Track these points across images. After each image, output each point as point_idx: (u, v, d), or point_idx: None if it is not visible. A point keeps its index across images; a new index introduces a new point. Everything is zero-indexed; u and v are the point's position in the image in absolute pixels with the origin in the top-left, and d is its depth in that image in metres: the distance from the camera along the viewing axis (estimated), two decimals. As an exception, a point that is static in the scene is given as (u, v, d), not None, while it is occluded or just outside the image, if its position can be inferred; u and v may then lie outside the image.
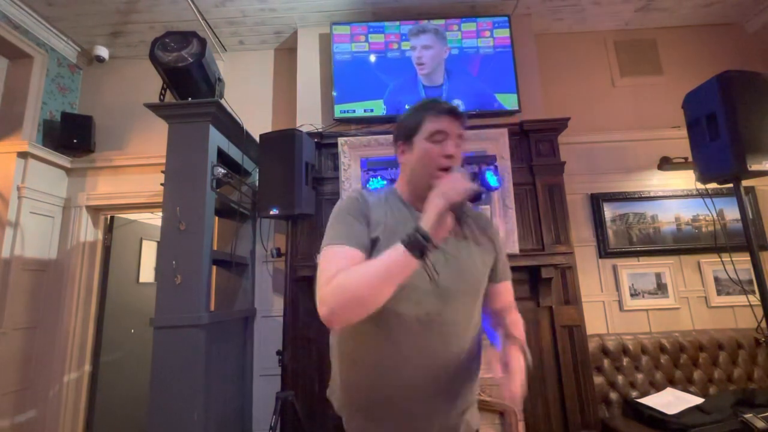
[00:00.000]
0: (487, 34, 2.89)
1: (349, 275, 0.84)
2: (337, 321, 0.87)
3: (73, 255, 2.95)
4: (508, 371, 0.83)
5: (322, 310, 0.85)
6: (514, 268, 2.37)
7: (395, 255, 0.82)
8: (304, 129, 2.60)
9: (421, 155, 0.96)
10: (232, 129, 2.45)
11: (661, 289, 2.80)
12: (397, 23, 2.90)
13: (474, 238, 1.00)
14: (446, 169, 0.92)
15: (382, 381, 0.93)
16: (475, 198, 0.85)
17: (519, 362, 0.85)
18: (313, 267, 2.44)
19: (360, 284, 0.83)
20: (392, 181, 1.99)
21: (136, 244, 3.41)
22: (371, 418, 0.95)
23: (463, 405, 0.97)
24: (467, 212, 0.98)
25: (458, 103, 2.80)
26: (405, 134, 0.99)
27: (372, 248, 0.93)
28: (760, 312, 1.66)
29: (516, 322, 1.03)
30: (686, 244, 2.85)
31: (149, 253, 3.49)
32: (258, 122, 2.93)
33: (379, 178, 2.54)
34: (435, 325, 0.92)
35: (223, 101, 2.35)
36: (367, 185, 2.53)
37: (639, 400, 2.30)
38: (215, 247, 2.40)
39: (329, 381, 1.14)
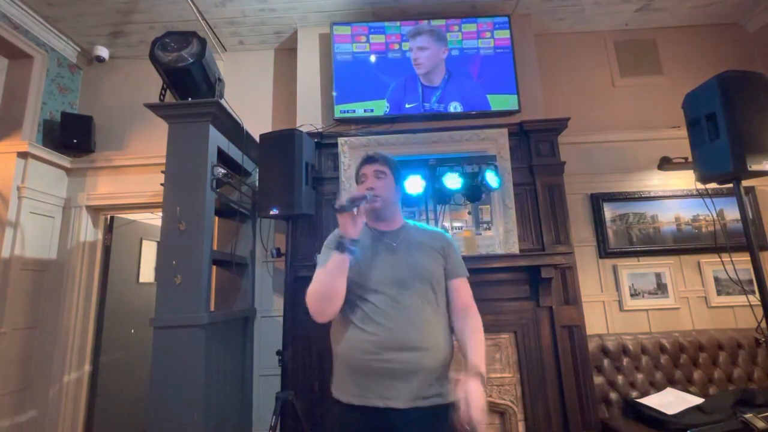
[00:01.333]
0: (488, 35, 2.89)
1: (312, 283, 1.26)
2: (319, 316, 1.23)
3: (73, 255, 2.95)
4: (468, 401, 1.06)
5: (308, 306, 1.23)
6: (514, 269, 2.42)
7: (332, 257, 1.23)
8: (304, 129, 2.60)
9: None
10: (232, 129, 2.45)
11: (661, 289, 2.80)
12: (398, 23, 2.90)
13: (425, 245, 1.35)
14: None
15: (366, 351, 1.20)
16: (357, 200, 1.23)
17: (478, 392, 1.09)
18: (313, 267, 2.43)
19: (318, 284, 1.24)
20: None
21: (136, 244, 3.41)
22: (359, 383, 1.21)
23: (433, 371, 1.20)
24: (420, 231, 1.40)
25: (455, 105, 2.80)
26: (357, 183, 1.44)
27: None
28: (760, 312, 1.66)
29: (475, 330, 1.28)
30: (686, 244, 2.85)
31: (149, 253, 3.49)
32: (258, 122, 2.93)
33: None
34: (399, 306, 1.23)
35: (223, 101, 2.35)
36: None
37: (639, 400, 2.30)
38: (215, 247, 2.40)
39: (332, 378, 1.32)
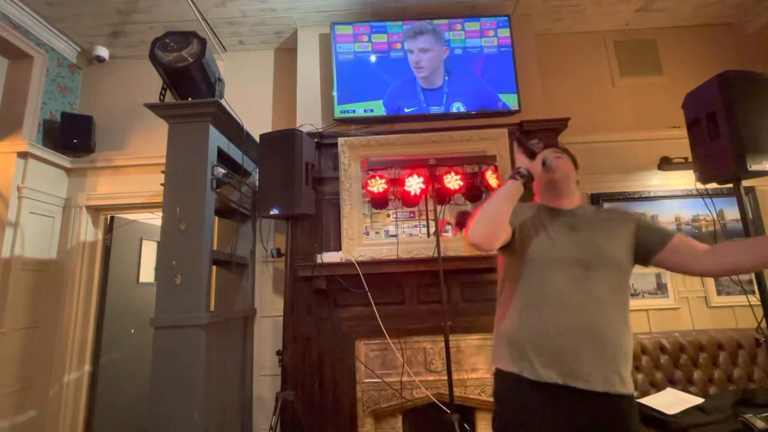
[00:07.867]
0: (491, 33, 2.89)
1: (481, 209, 1.21)
2: (479, 239, 1.15)
3: (73, 255, 2.95)
4: None
5: (469, 236, 1.17)
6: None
7: (505, 184, 1.23)
8: (304, 129, 2.60)
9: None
10: (232, 129, 2.45)
11: (661, 289, 2.80)
12: (400, 23, 2.89)
13: (609, 224, 1.26)
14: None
15: (541, 335, 1.16)
16: (530, 154, 1.27)
17: None
18: (313, 267, 2.44)
19: (488, 208, 1.19)
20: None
21: (136, 244, 3.41)
22: (540, 361, 1.15)
23: (612, 366, 1.17)
24: (602, 210, 1.34)
25: (458, 105, 2.80)
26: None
27: (513, 234, 1.26)
28: (760, 312, 1.65)
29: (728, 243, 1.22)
30: (686, 244, 2.85)
31: (149, 253, 3.49)
32: (258, 122, 2.93)
33: (378, 178, 2.54)
34: (579, 286, 1.16)
35: (223, 101, 2.35)
36: (367, 184, 2.54)
37: (639, 400, 2.30)
38: (215, 247, 2.39)
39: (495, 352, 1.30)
